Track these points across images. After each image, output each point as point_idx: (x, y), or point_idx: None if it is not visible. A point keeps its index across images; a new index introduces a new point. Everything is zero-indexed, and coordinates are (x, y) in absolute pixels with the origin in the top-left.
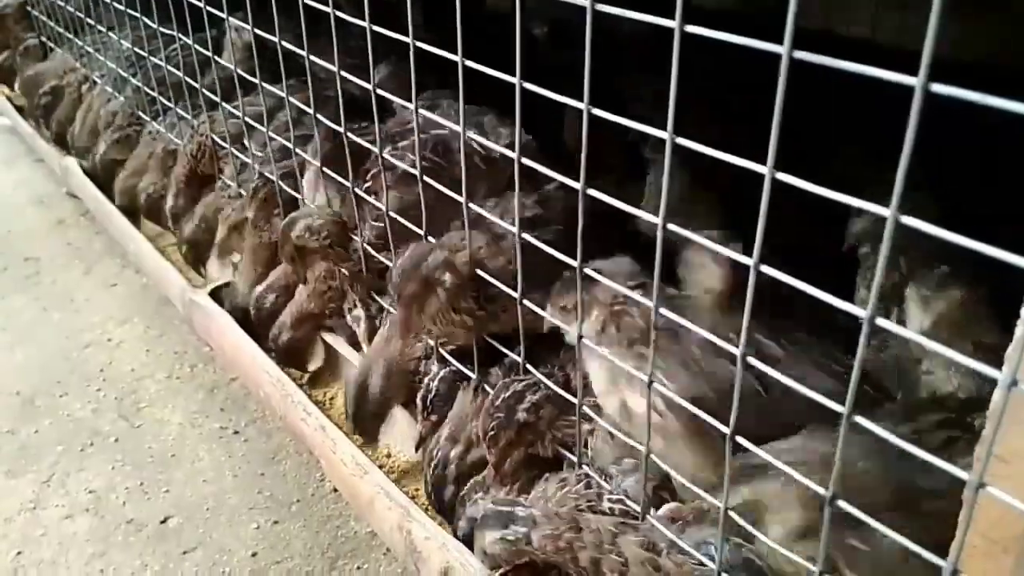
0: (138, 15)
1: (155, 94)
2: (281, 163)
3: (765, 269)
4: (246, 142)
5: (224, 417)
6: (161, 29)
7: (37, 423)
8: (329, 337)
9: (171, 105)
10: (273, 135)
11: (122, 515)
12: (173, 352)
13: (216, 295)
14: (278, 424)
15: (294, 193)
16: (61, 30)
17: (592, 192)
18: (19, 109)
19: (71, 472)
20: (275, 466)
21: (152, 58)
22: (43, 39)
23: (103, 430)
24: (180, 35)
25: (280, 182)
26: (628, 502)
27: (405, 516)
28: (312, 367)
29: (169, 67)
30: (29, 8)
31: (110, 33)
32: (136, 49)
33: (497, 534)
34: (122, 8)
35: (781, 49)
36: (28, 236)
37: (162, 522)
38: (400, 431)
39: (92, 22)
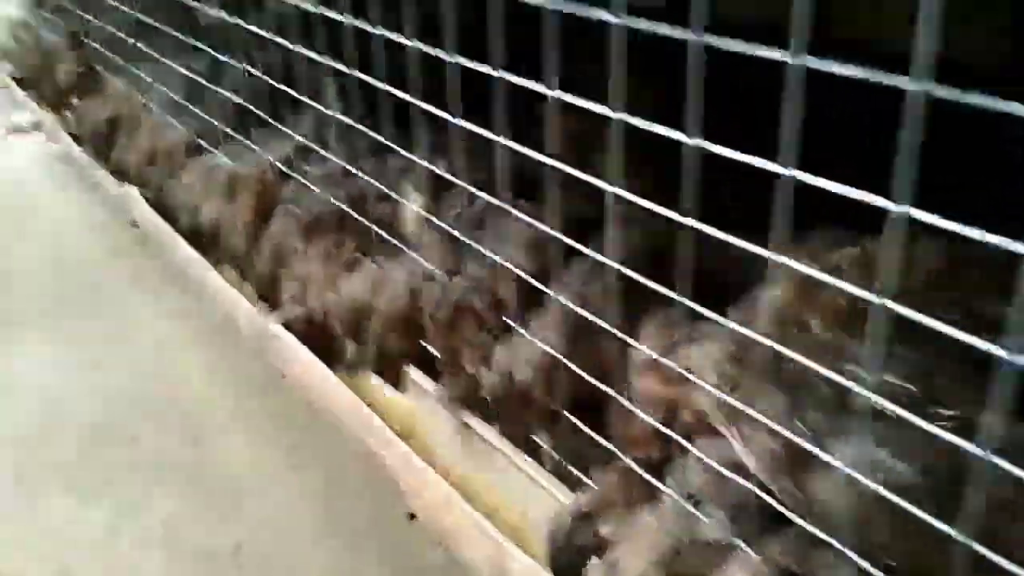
0: (198, 43)
1: (216, 122)
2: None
3: None
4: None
5: (294, 446)
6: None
7: (107, 452)
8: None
9: (233, 133)
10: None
11: (194, 545)
12: (239, 380)
13: (288, 324)
14: (351, 452)
15: (361, 219)
16: (117, 59)
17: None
18: (74, 137)
19: (143, 502)
20: (348, 495)
21: (212, 85)
22: (98, 67)
23: (173, 459)
24: (241, 64)
25: (349, 208)
26: None
27: (499, 549)
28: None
29: (230, 94)
30: (83, 38)
31: (168, 61)
32: (196, 76)
33: None
34: (181, 36)
35: None
36: (85, 263)
37: (234, 552)
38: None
39: (148, 49)
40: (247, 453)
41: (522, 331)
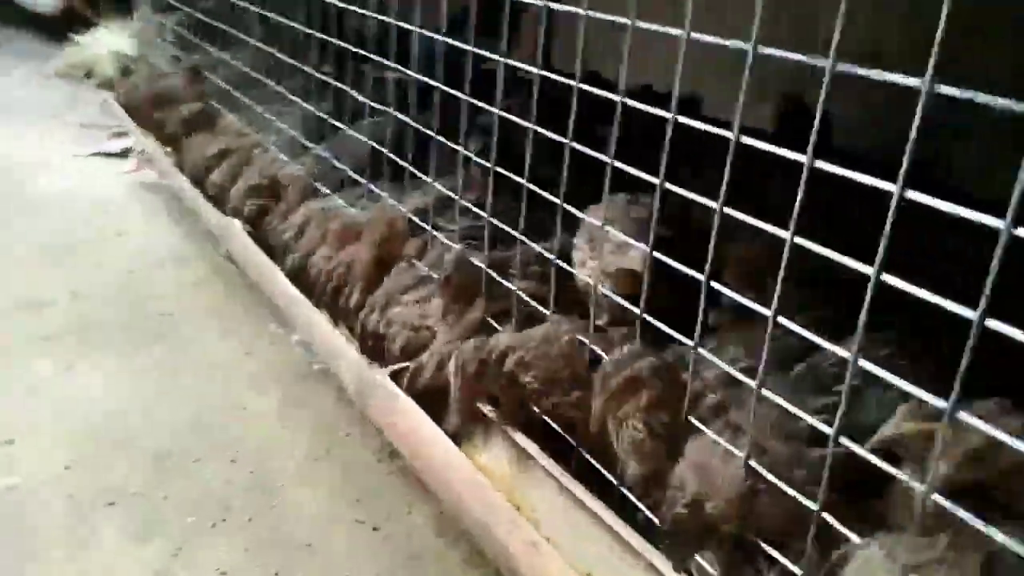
0: (335, 82)
1: (340, 164)
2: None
3: None
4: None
5: (364, 507)
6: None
7: (168, 488)
8: (520, 437)
9: (359, 178)
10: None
11: None
12: (311, 429)
13: (397, 377)
14: (425, 520)
15: (499, 279)
16: (237, 94)
17: None
18: (178, 167)
19: (201, 547)
20: (418, 568)
21: (339, 124)
22: (213, 103)
23: (236, 505)
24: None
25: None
26: None
27: None
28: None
29: (357, 134)
30: (202, 71)
31: (294, 97)
32: (321, 114)
33: None
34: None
35: None
36: (166, 291)
37: None
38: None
39: (274, 84)
40: (314, 510)
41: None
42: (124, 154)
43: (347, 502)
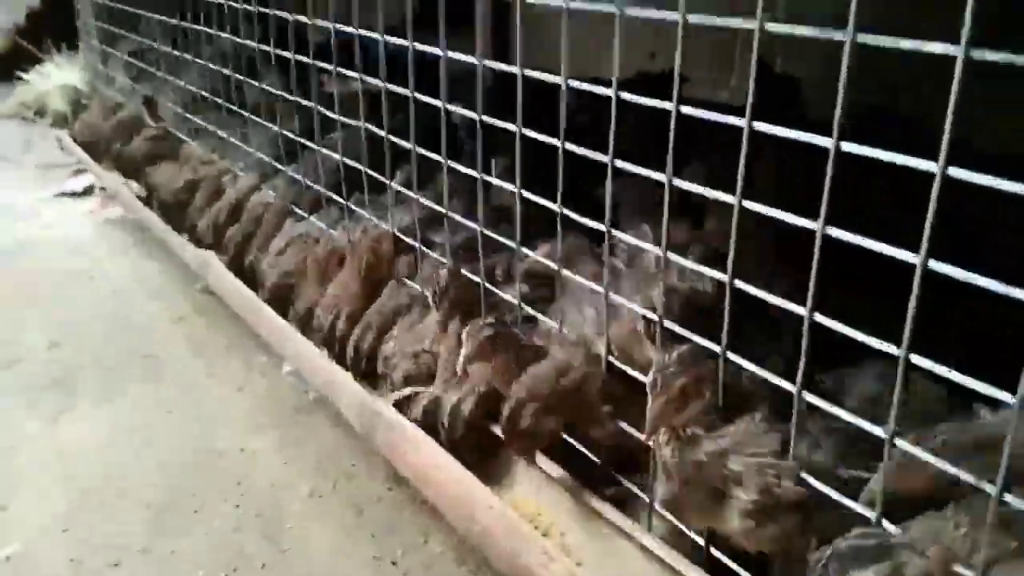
0: (299, 99)
1: (313, 184)
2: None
3: None
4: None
5: (378, 543)
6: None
7: (174, 540)
8: (601, 505)
9: (338, 197)
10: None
11: None
12: (313, 465)
13: (401, 406)
14: (444, 550)
15: (497, 291)
16: (197, 120)
17: None
18: (143, 201)
19: None
20: None
21: (312, 144)
22: (170, 130)
23: (247, 552)
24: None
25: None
26: None
27: None
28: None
29: (330, 152)
30: (155, 99)
31: (258, 119)
32: (289, 134)
33: None
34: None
35: None
36: (147, 331)
37: None
38: None
39: (236, 108)
40: (327, 550)
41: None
42: (87, 192)
43: (360, 538)
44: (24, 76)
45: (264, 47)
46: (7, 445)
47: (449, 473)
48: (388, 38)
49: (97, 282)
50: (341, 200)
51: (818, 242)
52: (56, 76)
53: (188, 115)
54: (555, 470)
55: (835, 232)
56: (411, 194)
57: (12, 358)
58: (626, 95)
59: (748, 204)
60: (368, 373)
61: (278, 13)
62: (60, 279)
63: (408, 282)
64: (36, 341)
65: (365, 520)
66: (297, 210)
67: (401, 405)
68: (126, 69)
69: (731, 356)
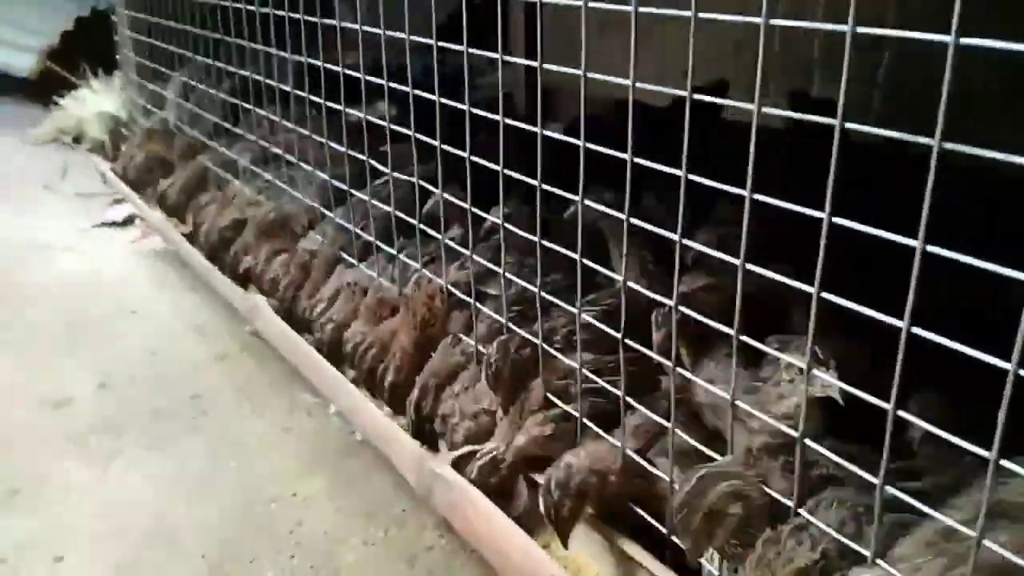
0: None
1: (362, 232)
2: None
3: None
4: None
5: None
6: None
7: None
8: (629, 546)
9: (387, 248)
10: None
11: None
12: (364, 512)
13: (459, 465)
14: None
15: (559, 355)
16: (245, 163)
17: None
18: (188, 237)
19: None
20: None
21: (358, 193)
22: (215, 168)
23: None
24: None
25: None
26: None
27: None
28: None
29: (377, 202)
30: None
31: (304, 165)
32: (337, 183)
33: None
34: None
35: None
36: (190, 371)
37: None
38: None
39: (282, 153)
40: None
41: None
42: (128, 222)
43: None
44: (60, 101)
45: (315, 98)
46: (58, 492)
47: (511, 539)
48: (444, 100)
49: (142, 318)
50: (391, 250)
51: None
52: (92, 101)
53: (239, 160)
54: (631, 546)
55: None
56: (465, 251)
57: (61, 400)
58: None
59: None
60: (426, 433)
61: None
62: (105, 315)
63: (464, 338)
64: (84, 383)
65: (417, 571)
66: (346, 256)
67: (459, 464)
68: (168, 105)
69: None
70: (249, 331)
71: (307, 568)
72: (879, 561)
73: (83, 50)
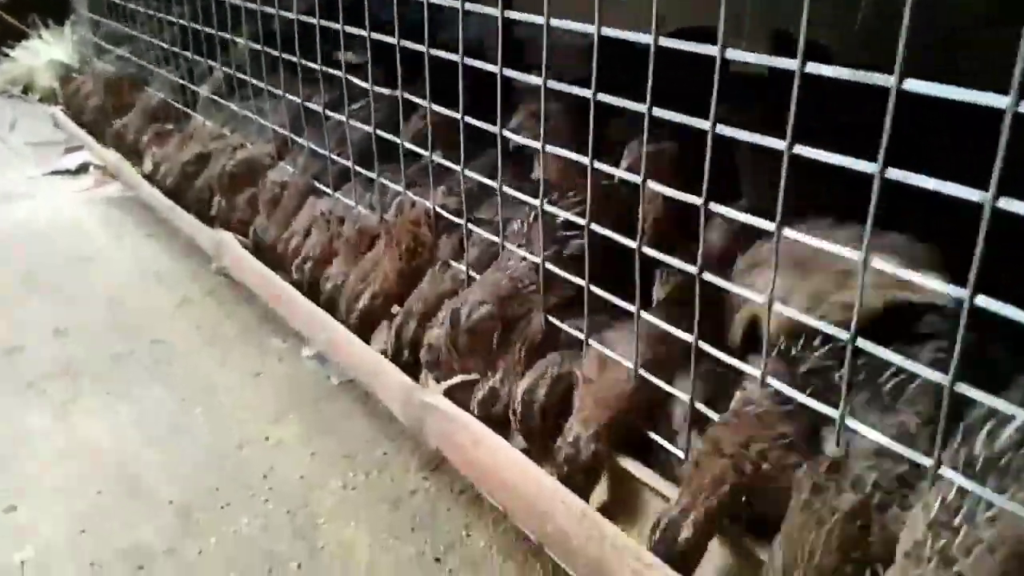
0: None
1: (338, 157)
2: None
3: None
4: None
5: (419, 539)
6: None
7: (200, 541)
8: (630, 463)
9: (366, 172)
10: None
11: None
12: (342, 456)
13: (454, 396)
14: (488, 541)
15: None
16: (206, 93)
17: None
18: (148, 179)
19: None
20: None
21: (335, 114)
22: (174, 102)
23: (281, 553)
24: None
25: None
26: None
27: None
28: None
29: (357, 123)
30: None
31: (277, 91)
32: (313, 105)
33: None
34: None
35: None
36: (152, 316)
37: None
38: None
39: (250, 79)
40: (366, 548)
41: None
42: (81, 170)
43: (400, 533)
44: (10, 53)
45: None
46: (14, 440)
47: (518, 470)
48: None
49: (99, 265)
50: (370, 174)
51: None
52: (44, 52)
53: (196, 86)
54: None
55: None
56: (456, 167)
57: (16, 347)
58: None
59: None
60: (409, 363)
61: None
62: (59, 264)
63: (453, 264)
64: (40, 329)
65: (402, 514)
66: (320, 186)
67: (452, 395)
68: (122, 39)
69: None
70: (216, 269)
71: (283, 513)
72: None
73: (34, 1)
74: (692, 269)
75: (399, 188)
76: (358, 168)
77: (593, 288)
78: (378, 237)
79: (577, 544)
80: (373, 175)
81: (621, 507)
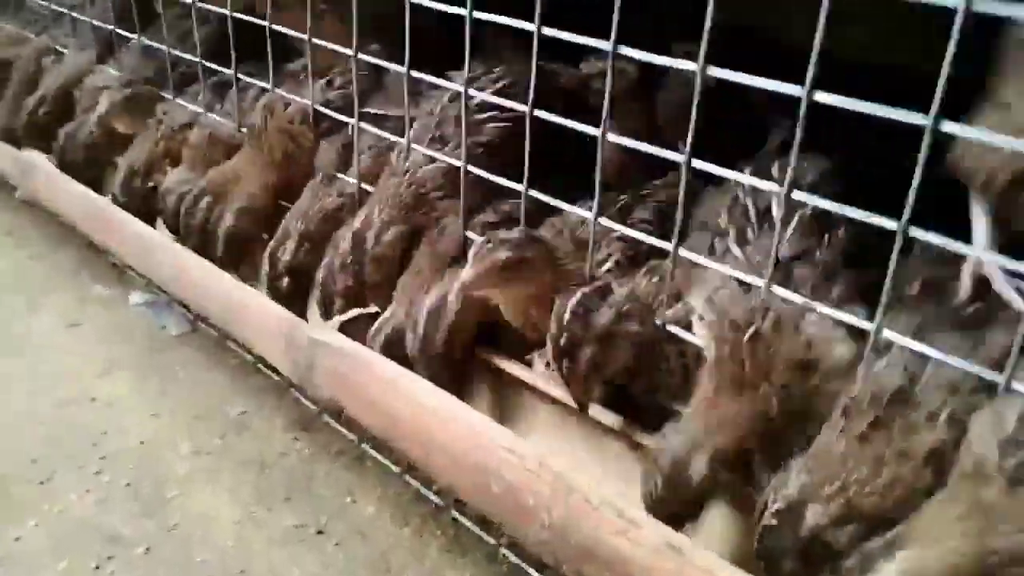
0: None
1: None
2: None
3: None
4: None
5: (294, 509)
6: None
7: (18, 525)
8: (505, 362)
9: (222, 68)
10: None
11: None
12: (192, 417)
13: (349, 331)
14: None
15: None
16: None
17: None
18: None
19: None
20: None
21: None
22: None
23: (122, 535)
24: None
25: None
26: None
27: None
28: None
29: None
30: None
31: None
32: None
33: None
34: None
35: None
36: None
37: None
38: None
39: None
40: (232, 524)
41: None
42: None
43: (272, 503)
44: None
45: None
46: None
47: (457, 415)
48: None
49: None
50: (227, 71)
51: None
52: None
53: None
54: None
55: None
56: (348, 52)
57: None
58: None
59: None
60: (289, 295)
61: None
62: None
63: (341, 176)
64: None
65: (272, 481)
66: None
67: (347, 332)
68: None
69: None
70: (21, 198)
71: (122, 487)
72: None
73: None
74: None
75: (265, 85)
76: (208, 64)
77: (533, 192)
78: (237, 148)
79: (538, 503)
80: (229, 72)
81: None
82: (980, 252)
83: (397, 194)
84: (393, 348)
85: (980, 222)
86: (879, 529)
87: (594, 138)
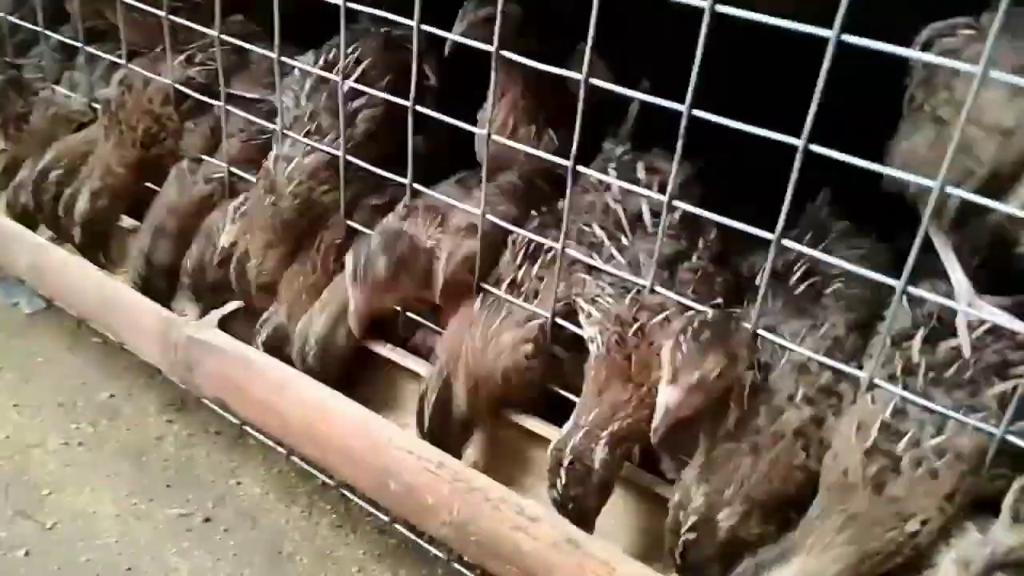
0: None
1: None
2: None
3: None
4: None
5: (177, 497)
6: None
7: None
8: (385, 349)
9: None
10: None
11: None
12: (57, 405)
13: (228, 327)
14: (263, 490)
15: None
16: None
17: None
18: None
19: None
20: (287, 564)
21: None
22: None
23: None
24: None
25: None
26: None
27: None
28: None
29: None
30: None
31: None
32: None
33: None
34: None
35: None
36: None
37: None
38: None
39: None
40: (113, 517)
41: None
42: None
43: (154, 492)
44: None
45: None
46: None
47: (339, 415)
48: None
49: None
50: (74, 42)
51: None
52: None
53: None
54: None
55: None
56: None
57: None
58: None
59: None
60: (162, 292)
61: None
62: None
63: (208, 159)
64: None
65: (151, 469)
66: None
67: (227, 326)
68: None
69: None
70: None
71: None
72: None
73: None
74: None
75: (118, 60)
76: (48, 32)
77: (418, 187)
78: (85, 124)
79: (438, 501)
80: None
81: None
82: (964, 307)
83: (278, 212)
84: (277, 345)
85: (954, 268)
86: (776, 512)
87: None
